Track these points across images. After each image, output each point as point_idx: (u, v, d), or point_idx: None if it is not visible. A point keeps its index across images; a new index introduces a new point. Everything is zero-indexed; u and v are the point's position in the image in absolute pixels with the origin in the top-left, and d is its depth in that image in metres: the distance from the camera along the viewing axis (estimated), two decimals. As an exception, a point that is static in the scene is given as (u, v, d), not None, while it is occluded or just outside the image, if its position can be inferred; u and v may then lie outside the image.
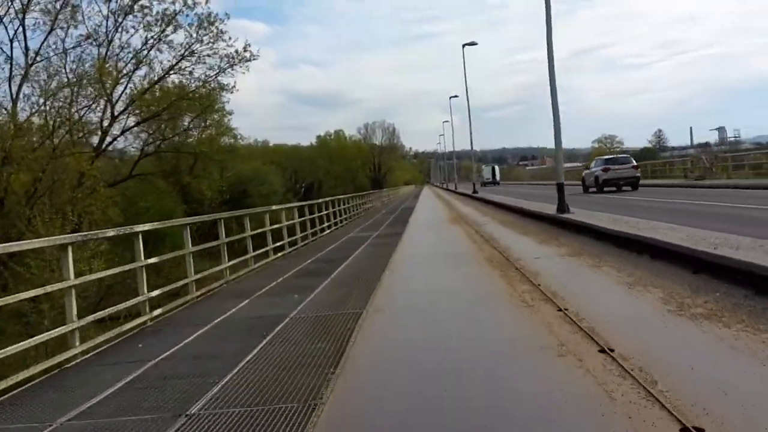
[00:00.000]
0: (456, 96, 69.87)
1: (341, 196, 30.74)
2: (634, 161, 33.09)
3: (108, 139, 29.43)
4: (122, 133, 29.69)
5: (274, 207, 19.86)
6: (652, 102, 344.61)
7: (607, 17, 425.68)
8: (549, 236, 14.18)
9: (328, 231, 24.65)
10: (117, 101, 29.32)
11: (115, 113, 29.04)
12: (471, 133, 47.99)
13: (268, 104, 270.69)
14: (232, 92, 34.26)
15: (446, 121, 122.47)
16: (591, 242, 12.19)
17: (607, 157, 37.11)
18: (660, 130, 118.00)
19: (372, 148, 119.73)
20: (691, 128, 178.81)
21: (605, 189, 30.87)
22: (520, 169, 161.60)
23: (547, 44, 16.74)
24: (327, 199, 29.24)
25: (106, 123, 29.19)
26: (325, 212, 25.49)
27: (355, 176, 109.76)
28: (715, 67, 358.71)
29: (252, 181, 64.01)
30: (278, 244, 16.97)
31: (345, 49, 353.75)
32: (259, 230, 15.90)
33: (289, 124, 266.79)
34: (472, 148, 52.29)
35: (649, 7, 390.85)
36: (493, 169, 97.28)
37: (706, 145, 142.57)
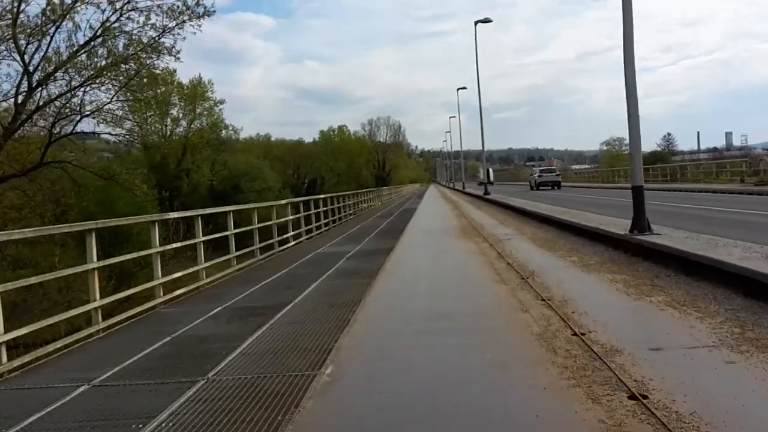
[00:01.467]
0: (464, 88, 63.40)
1: (324, 196, 24.44)
2: (557, 171, 55.04)
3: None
4: (36, 109, 22.59)
5: (231, 208, 14.04)
6: (658, 105, 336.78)
7: (614, 19, 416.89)
8: (640, 277, 7.88)
9: (303, 239, 18.47)
10: (35, 70, 22.25)
11: (33, 83, 22.00)
12: (482, 124, 38.92)
13: (273, 99, 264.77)
14: (176, 58, 26.26)
15: (453, 117, 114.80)
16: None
17: (542, 168, 60.40)
18: (669, 134, 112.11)
19: (376, 144, 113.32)
20: (698, 133, 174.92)
21: (540, 188, 46.04)
22: (527, 170, 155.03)
23: (624, 47, 10.38)
24: (308, 198, 23.04)
25: (21, 97, 22.05)
26: (304, 214, 19.29)
27: (358, 173, 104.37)
28: (720, 71, 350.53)
29: (244, 177, 57.83)
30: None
31: (351, 46, 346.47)
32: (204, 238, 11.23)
33: (294, 120, 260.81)
34: (483, 145, 45.91)
35: (654, 10, 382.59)
36: (487, 171, 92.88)
37: (714, 150, 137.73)
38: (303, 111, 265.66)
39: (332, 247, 16.20)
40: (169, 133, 56.71)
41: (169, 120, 56.70)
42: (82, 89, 24.00)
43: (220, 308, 8.25)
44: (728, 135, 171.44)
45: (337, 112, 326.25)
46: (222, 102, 57.72)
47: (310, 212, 20.64)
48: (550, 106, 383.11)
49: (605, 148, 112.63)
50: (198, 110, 56.35)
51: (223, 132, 58.72)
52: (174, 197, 55.02)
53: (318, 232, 20.88)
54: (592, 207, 20.25)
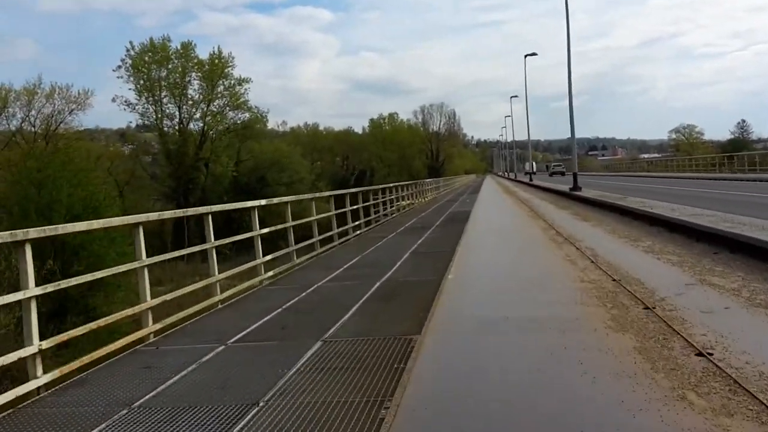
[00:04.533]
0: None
1: (328, 193, 14.26)
2: (562, 164, 75.37)
3: None
4: None
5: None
6: (727, 92, 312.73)
7: (679, 5, 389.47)
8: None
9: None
10: None
11: None
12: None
13: (330, 91, 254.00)
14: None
15: (508, 116, 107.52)
16: None
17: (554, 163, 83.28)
18: (744, 121, 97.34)
19: (429, 134, 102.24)
20: None
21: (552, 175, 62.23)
22: (592, 159, 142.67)
23: None
24: (295, 198, 13.11)
25: None
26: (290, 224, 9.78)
27: (410, 163, 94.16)
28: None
29: (272, 167, 48.07)
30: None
31: (407, 37, 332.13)
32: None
33: (350, 111, 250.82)
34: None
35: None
36: (531, 165, 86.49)
37: None
38: (359, 102, 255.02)
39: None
40: (187, 117, 47.32)
41: (189, 102, 47.38)
42: None
43: None
44: None
45: (393, 104, 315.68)
46: (247, 81, 48.05)
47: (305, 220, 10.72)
48: (611, 94, 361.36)
49: (674, 136, 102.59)
50: (219, 89, 46.71)
51: (248, 115, 48.71)
52: (190, 191, 45.71)
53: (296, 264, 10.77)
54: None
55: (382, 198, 20.63)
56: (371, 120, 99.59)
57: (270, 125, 72.97)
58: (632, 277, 7.27)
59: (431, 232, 15.12)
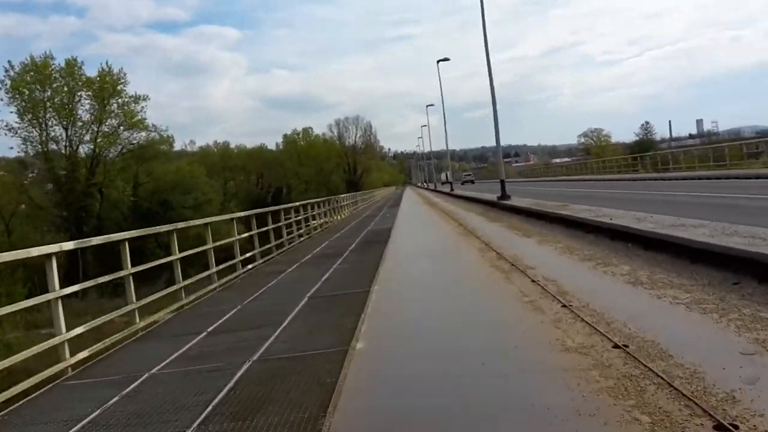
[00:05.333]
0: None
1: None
2: (471, 173, 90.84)
3: None
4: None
5: None
6: (627, 96, 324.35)
7: (580, 15, 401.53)
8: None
9: None
10: None
11: None
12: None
13: (242, 109, 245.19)
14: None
15: (424, 126, 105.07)
16: None
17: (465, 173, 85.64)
18: (647, 122, 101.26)
19: (346, 147, 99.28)
20: (670, 122, 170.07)
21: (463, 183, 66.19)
22: (507, 166, 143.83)
23: None
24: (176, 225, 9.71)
25: None
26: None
27: (328, 179, 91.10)
28: (685, 61, 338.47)
29: (175, 189, 43.76)
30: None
31: (318, 53, 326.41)
32: None
33: (264, 129, 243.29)
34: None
35: (618, 5, 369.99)
36: (446, 175, 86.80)
37: (690, 136, 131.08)
38: (273, 120, 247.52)
39: None
40: (77, 139, 42.44)
41: (78, 124, 42.54)
42: None
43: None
44: (699, 122, 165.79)
45: (308, 120, 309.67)
46: (144, 98, 43.53)
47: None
48: (520, 103, 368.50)
49: (583, 140, 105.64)
50: (111, 108, 42.12)
51: (146, 134, 44.21)
52: (83, 219, 40.85)
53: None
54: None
55: (286, 219, 17.30)
56: (285, 136, 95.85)
57: (178, 146, 68.30)
58: (646, 341, 4.46)
59: (342, 260, 12.05)
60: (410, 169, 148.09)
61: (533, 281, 7.20)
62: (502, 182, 22.30)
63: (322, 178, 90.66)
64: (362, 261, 11.51)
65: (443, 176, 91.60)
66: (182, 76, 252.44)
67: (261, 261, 13.41)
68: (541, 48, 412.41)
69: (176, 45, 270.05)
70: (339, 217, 27.66)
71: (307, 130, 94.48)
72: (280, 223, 16.41)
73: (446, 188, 54.13)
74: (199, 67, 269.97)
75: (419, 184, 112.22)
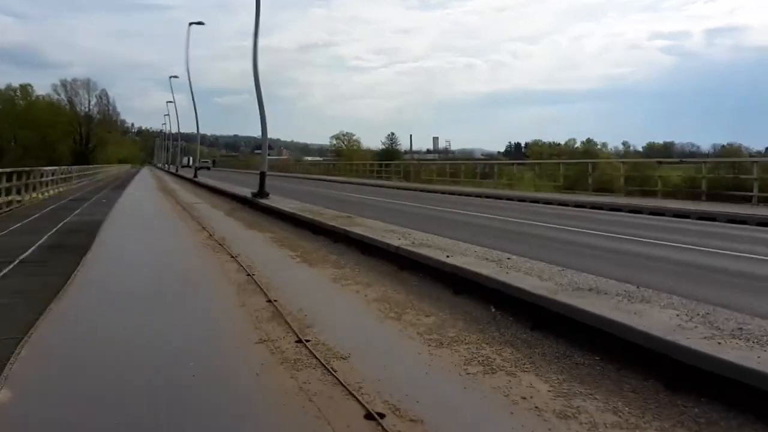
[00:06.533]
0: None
1: None
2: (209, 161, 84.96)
3: None
4: None
5: None
6: (375, 106, 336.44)
7: (336, 18, 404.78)
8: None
9: None
10: None
11: None
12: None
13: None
14: None
15: (170, 102, 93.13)
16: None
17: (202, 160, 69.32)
18: (393, 133, 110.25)
19: (79, 116, 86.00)
20: (411, 135, 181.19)
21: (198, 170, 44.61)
22: (257, 158, 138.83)
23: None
24: None
25: None
26: None
27: (53, 147, 77.78)
28: (426, 80, 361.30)
29: None
30: None
31: (52, 5, 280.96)
32: None
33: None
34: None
35: (374, 16, 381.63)
36: (189, 159, 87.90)
37: (429, 151, 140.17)
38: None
39: None
40: None
41: None
42: None
43: None
44: (435, 139, 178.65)
45: (26, 76, 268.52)
46: None
47: None
48: (272, 95, 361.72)
49: (335, 141, 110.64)
50: None
51: None
52: None
53: None
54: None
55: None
56: (-1, 91, 79.68)
57: None
58: None
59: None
60: (154, 148, 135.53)
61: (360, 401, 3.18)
62: (263, 174, 17.99)
63: (47, 146, 77.40)
64: (32, 288, 6.45)
65: (185, 160, 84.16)
66: None
67: None
68: (297, 41, 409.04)
69: None
70: (39, 196, 20.85)
71: (25, 88, 79.63)
72: None
73: (189, 173, 47.72)
74: None
75: (160, 165, 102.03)
